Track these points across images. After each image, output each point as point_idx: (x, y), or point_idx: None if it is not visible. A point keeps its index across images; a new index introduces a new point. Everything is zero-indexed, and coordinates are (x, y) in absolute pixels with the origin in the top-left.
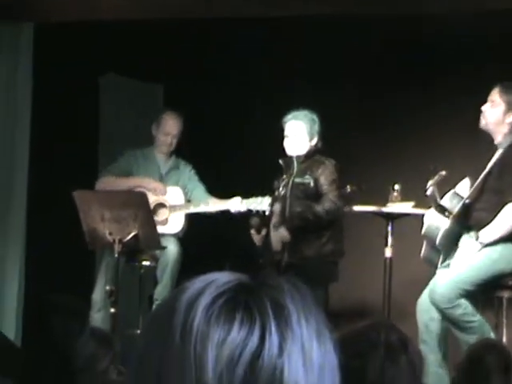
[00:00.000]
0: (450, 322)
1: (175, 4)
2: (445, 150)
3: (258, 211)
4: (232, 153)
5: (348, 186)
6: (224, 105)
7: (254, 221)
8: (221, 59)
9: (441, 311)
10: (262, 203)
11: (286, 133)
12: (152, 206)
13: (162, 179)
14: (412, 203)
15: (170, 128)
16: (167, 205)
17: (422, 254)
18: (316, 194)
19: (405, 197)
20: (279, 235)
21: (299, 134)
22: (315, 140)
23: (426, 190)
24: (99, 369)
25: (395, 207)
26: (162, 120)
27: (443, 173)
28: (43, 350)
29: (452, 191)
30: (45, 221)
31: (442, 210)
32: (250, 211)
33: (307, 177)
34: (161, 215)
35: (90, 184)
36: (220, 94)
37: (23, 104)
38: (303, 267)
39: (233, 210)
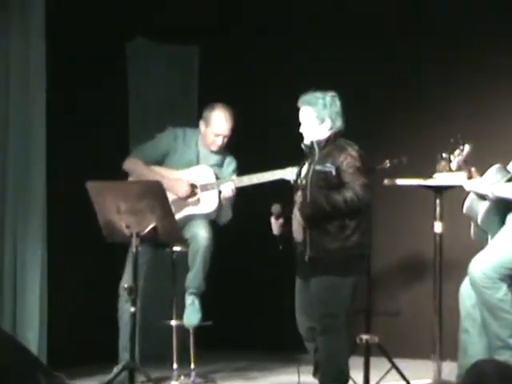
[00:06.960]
0: (485, 306)
1: None
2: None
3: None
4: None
5: (387, 161)
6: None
7: (275, 208)
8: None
9: (479, 292)
10: (290, 173)
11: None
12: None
13: None
14: (465, 173)
15: (221, 130)
16: (197, 184)
17: (471, 233)
18: (339, 183)
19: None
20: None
21: (308, 119)
22: (329, 124)
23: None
24: None
25: (444, 179)
26: (212, 118)
27: (468, 147)
28: None
29: (497, 165)
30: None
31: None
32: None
33: (328, 165)
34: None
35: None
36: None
37: (38, 74)
38: (326, 260)
39: (262, 180)
